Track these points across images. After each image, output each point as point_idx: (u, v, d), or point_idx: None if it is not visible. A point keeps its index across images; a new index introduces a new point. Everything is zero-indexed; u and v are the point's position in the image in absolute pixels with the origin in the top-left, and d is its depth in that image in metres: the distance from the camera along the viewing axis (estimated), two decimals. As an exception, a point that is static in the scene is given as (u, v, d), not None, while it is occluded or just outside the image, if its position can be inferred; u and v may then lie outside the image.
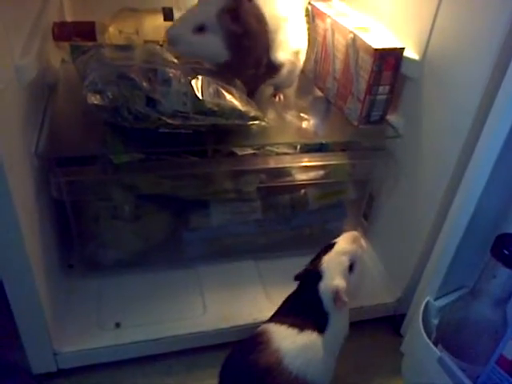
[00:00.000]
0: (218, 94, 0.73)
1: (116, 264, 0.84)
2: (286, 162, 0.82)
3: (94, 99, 0.66)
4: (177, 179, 0.78)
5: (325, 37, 0.90)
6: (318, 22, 0.93)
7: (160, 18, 0.98)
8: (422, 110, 0.77)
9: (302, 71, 1.01)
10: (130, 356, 0.75)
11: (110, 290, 0.81)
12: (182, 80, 0.70)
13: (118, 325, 0.76)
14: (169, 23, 0.96)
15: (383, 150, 0.86)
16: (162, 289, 0.82)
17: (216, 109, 0.71)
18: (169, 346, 0.77)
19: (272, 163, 0.81)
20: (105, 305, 0.79)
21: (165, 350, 0.77)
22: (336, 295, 0.65)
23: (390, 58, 0.77)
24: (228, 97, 0.74)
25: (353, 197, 0.91)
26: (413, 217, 0.81)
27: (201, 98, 0.70)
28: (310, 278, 0.69)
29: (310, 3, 0.97)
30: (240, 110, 0.74)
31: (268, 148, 0.82)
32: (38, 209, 0.68)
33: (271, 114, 0.87)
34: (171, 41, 0.75)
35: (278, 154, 0.82)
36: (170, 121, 0.69)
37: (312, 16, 0.95)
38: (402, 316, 0.84)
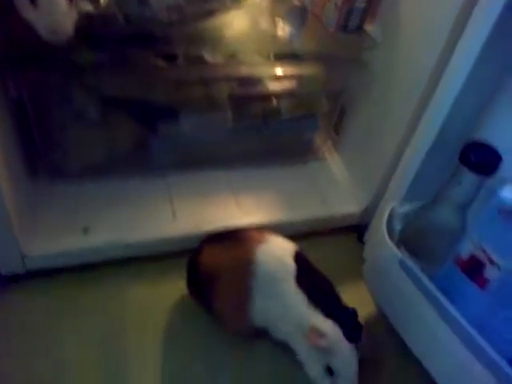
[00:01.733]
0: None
1: (83, 171, 0.81)
2: (259, 70, 0.80)
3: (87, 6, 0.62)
4: (146, 83, 0.74)
5: None
6: None
7: None
8: (400, 17, 0.75)
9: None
10: (99, 259, 0.76)
11: (78, 196, 0.80)
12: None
13: (86, 229, 0.75)
14: None
15: (358, 61, 0.84)
16: (132, 196, 0.82)
17: None
18: (139, 250, 0.78)
19: (244, 71, 0.79)
20: (73, 210, 0.78)
21: (135, 254, 0.78)
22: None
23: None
24: None
25: (325, 109, 0.90)
26: (384, 128, 0.82)
27: None
28: None
29: None
30: None
31: (240, 56, 0.79)
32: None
33: (246, 22, 0.83)
34: None
35: (249, 61, 0.79)
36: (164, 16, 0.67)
37: None
38: (367, 226, 0.87)
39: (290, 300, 0.65)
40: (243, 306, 0.67)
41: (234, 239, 0.70)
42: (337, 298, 0.67)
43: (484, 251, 0.58)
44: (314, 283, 0.67)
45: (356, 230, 0.92)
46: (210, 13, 0.74)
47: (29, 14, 0.59)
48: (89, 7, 0.65)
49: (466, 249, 0.61)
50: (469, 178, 0.59)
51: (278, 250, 0.68)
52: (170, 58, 0.74)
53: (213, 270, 0.68)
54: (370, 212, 0.86)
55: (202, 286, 0.70)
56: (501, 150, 0.59)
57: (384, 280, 0.72)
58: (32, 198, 0.77)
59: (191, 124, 0.83)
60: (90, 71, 0.70)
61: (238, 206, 0.84)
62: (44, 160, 0.80)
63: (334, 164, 0.97)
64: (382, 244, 0.70)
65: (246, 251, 0.67)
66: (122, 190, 0.82)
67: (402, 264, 0.66)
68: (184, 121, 0.82)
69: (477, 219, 0.59)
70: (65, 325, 0.71)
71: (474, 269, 0.60)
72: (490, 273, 0.58)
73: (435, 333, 0.62)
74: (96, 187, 0.82)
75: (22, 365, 0.66)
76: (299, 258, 0.68)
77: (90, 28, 0.64)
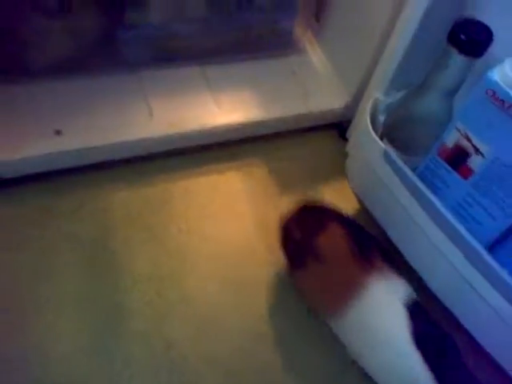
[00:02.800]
0: None
1: (47, 69, 0.75)
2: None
3: None
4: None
5: None
6: None
7: None
8: None
9: None
10: (74, 164, 0.73)
11: (44, 96, 0.74)
12: None
13: (58, 132, 0.71)
14: None
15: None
16: (103, 95, 0.76)
17: None
18: (116, 152, 0.75)
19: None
20: (41, 112, 0.73)
21: (110, 158, 0.75)
22: None
23: None
24: None
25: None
26: (368, 11, 0.77)
27: None
28: None
29: None
30: None
31: None
32: None
33: None
34: None
35: None
36: None
37: None
38: (349, 122, 0.84)
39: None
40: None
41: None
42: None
43: (469, 139, 0.57)
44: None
45: (338, 126, 0.89)
46: None
47: None
48: None
49: (451, 138, 0.59)
50: (457, 60, 0.56)
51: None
52: None
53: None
54: (353, 107, 0.83)
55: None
56: (492, 28, 0.55)
57: (367, 174, 0.72)
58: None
59: (160, 10, 0.75)
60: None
61: (216, 104, 0.80)
62: (3, 56, 0.73)
63: (315, 56, 0.92)
64: (364, 137, 0.68)
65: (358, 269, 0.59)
66: (93, 89, 0.77)
67: (386, 156, 0.65)
68: (152, 6, 0.75)
69: (463, 105, 0.56)
70: (46, 233, 0.69)
71: (457, 158, 0.60)
72: (474, 162, 0.58)
73: (416, 222, 0.63)
74: (64, 86, 0.76)
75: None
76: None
77: None
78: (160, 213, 0.74)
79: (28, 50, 0.72)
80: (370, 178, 0.71)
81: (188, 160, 0.80)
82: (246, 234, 0.74)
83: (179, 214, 0.74)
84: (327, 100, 0.86)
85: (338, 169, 0.81)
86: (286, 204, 0.67)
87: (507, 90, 0.50)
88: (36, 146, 0.69)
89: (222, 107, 0.80)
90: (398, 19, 0.67)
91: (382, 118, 0.70)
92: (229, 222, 0.75)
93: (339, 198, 0.72)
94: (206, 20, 0.79)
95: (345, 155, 0.79)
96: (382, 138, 0.68)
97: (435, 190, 0.63)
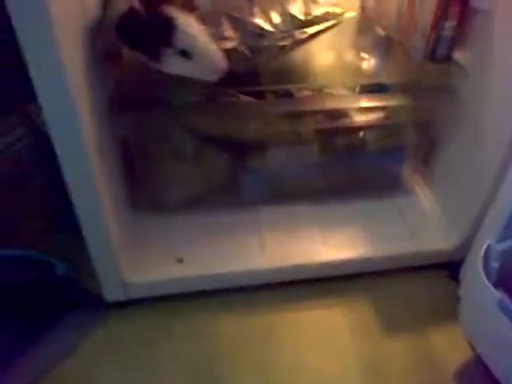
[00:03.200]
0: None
1: (178, 204, 0.87)
2: (345, 103, 0.80)
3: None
4: (235, 121, 0.79)
5: (388, -29, 0.85)
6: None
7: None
8: (492, 45, 0.72)
9: (363, 9, 0.97)
10: (191, 289, 0.80)
11: (173, 227, 0.85)
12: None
13: (180, 260, 0.80)
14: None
15: (447, 91, 0.81)
16: (222, 228, 0.85)
17: (309, 21, 0.78)
18: (228, 281, 0.81)
19: (330, 104, 0.80)
20: (169, 241, 0.83)
21: (224, 286, 0.81)
22: None
23: (458, -9, 0.72)
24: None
25: (413, 140, 0.88)
26: (477, 161, 0.78)
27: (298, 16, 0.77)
28: None
29: None
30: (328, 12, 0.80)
31: (326, 89, 0.81)
32: (107, 148, 0.72)
33: (331, 55, 0.85)
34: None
35: (336, 95, 0.80)
36: (281, 43, 0.74)
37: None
38: (460, 262, 0.82)
39: None
40: None
41: None
42: None
43: None
44: None
45: (448, 267, 0.87)
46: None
47: (181, 67, 0.65)
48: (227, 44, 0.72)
49: None
50: None
51: None
52: (259, 93, 0.78)
53: None
54: (463, 248, 0.81)
55: None
56: None
57: (481, 322, 0.68)
58: (132, 228, 0.84)
59: (279, 157, 0.85)
60: (187, 111, 0.76)
61: (324, 241, 0.85)
62: (143, 193, 0.87)
63: (423, 197, 0.94)
64: (477, 282, 0.66)
65: None
66: (214, 222, 0.87)
67: (502, 305, 0.62)
68: (272, 154, 0.85)
69: None
70: (158, 353, 0.75)
71: None
72: None
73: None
74: (190, 219, 0.87)
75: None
76: None
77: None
78: (264, 343, 0.76)
79: (164, 189, 0.85)
80: (484, 326, 0.67)
81: (294, 292, 0.83)
82: (346, 371, 0.73)
83: (282, 346, 0.75)
84: (435, 241, 0.86)
85: (447, 312, 0.77)
86: (388, 345, 0.65)
87: None
88: (161, 271, 0.78)
89: (329, 244, 0.84)
90: (509, 168, 0.68)
91: (495, 265, 0.68)
92: (330, 357, 0.74)
93: (449, 343, 0.68)
94: (318, 164, 0.87)
95: (456, 298, 0.76)
96: (496, 286, 0.65)
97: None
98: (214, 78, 0.67)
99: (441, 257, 0.86)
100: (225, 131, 0.80)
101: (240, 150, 0.84)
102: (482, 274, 0.65)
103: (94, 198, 0.66)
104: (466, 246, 0.80)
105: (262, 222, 0.87)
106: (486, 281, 0.64)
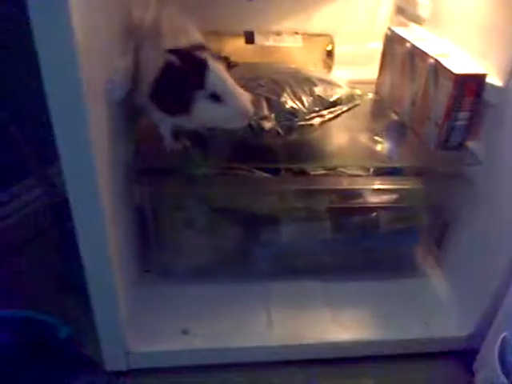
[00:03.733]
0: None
1: (188, 272, 0.87)
2: (358, 183, 0.82)
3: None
4: (250, 195, 0.80)
5: (403, 61, 0.90)
6: (397, 46, 0.93)
7: (241, 41, 1.03)
8: (504, 137, 0.75)
9: (378, 93, 1.02)
10: (194, 362, 0.78)
11: (181, 297, 0.84)
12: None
13: (185, 331, 0.79)
14: (250, 45, 1.03)
15: (461, 177, 0.83)
16: (230, 301, 0.84)
17: (334, 102, 0.82)
18: (233, 357, 0.78)
19: (344, 184, 0.82)
20: (175, 311, 0.82)
21: (228, 361, 0.78)
22: None
23: (471, 84, 0.75)
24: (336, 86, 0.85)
25: (426, 223, 0.89)
26: (490, 248, 0.78)
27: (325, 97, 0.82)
28: None
29: (388, 28, 0.98)
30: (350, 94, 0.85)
31: (340, 169, 0.83)
32: (122, 215, 0.73)
33: (346, 137, 0.88)
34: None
35: (350, 175, 0.82)
36: (310, 122, 0.79)
37: (390, 41, 0.96)
38: (475, 351, 0.80)
39: None
40: None
41: None
42: None
43: None
44: None
45: (461, 355, 0.84)
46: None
47: (211, 111, 0.67)
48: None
49: None
50: None
51: None
52: (274, 170, 0.81)
53: None
54: (477, 336, 0.79)
55: None
56: None
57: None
58: (140, 296, 0.83)
59: (291, 233, 0.86)
60: (203, 183, 0.78)
61: (334, 320, 0.83)
62: (154, 261, 0.87)
63: (436, 281, 0.92)
64: (494, 377, 0.64)
65: None
66: (222, 294, 0.86)
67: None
68: (284, 230, 0.86)
69: None
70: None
71: None
72: None
73: None
74: (198, 289, 0.86)
75: None
76: None
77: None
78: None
79: (175, 258, 0.86)
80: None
81: (301, 371, 0.80)
82: None
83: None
84: (449, 327, 0.83)
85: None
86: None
87: None
88: (165, 342, 0.77)
89: (340, 324, 0.82)
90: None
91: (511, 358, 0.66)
92: None
93: None
94: (331, 241, 0.87)
95: (470, 389, 0.73)
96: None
97: None
98: (241, 123, 0.70)
99: (453, 344, 0.83)
100: (239, 204, 0.81)
101: (253, 224, 0.85)
102: (500, 371, 0.63)
103: (105, 263, 0.66)
104: (480, 335, 0.78)
105: (272, 297, 0.86)
106: (503, 376, 0.62)
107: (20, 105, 0.89)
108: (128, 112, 0.77)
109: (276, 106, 0.78)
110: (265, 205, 0.82)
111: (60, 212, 0.88)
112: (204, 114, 0.68)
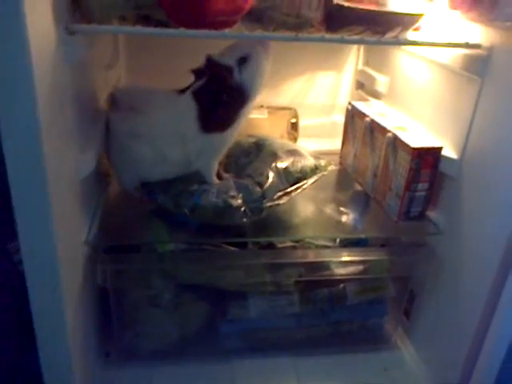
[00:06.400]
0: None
1: (151, 354, 0.83)
2: (325, 255, 0.82)
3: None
4: (217, 270, 0.79)
5: (364, 135, 0.94)
6: (358, 120, 0.97)
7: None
8: (462, 207, 0.77)
9: (341, 164, 1.05)
10: None
11: (144, 379, 0.80)
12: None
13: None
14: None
15: (424, 246, 0.84)
16: (196, 381, 0.81)
17: (300, 175, 0.84)
18: None
19: (311, 257, 0.82)
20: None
21: None
22: None
23: (428, 157, 0.79)
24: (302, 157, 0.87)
25: (393, 293, 0.88)
26: (456, 316, 0.78)
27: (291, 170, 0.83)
28: None
29: (349, 103, 1.02)
30: (315, 165, 0.87)
31: (307, 240, 0.83)
32: (83, 296, 0.70)
33: (312, 208, 0.89)
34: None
35: (317, 246, 0.83)
36: (277, 202, 0.80)
37: (351, 115, 1.00)
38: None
39: None
40: None
41: None
42: None
43: None
44: None
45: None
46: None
47: None
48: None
49: None
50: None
51: None
52: (241, 244, 0.80)
53: None
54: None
55: None
56: None
57: None
58: (101, 380, 0.79)
59: (258, 307, 0.84)
60: (169, 259, 0.77)
61: (304, 397, 0.80)
62: (117, 343, 0.83)
63: (407, 353, 0.91)
64: None
65: None
66: (188, 374, 0.82)
67: None
68: (251, 304, 0.84)
69: None
70: None
71: None
72: None
73: None
74: (163, 370, 0.82)
75: None
76: None
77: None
78: None
79: (138, 338, 0.82)
80: None
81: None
82: None
83: None
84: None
85: None
86: None
87: None
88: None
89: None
90: (491, 323, 0.67)
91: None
92: None
93: None
94: (299, 315, 0.86)
95: None
96: None
97: None
98: None
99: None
100: (205, 280, 0.80)
101: (220, 299, 0.83)
102: None
103: (63, 347, 0.63)
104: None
105: (240, 376, 0.82)
106: None
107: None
108: (91, 188, 0.77)
109: (243, 187, 0.79)
110: (232, 280, 0.81)
111: (18, 290, 0.84)
112: None
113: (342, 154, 1.06)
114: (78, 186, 0.68)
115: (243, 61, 0.76)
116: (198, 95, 0.76)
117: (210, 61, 0.75)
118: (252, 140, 0.93)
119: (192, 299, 0.82)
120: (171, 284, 0.79)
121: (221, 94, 0.75)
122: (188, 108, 0.76)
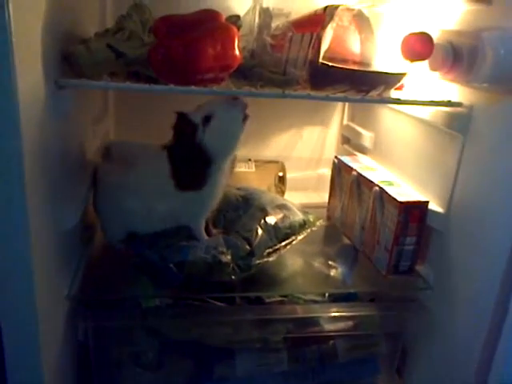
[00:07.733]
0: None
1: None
2: (314, 311, 0.81)
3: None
4: (204, 326, 0.77)
5: (351, 189, 0.95)
6: (344, 174, 0.98)
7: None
8: (451, 260, 0.77)
9: (329, 219, 1.05)
10: None
11: None
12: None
13: None
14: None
15: (414, 301, 0.83)
16: None
17: (289, 231, 0.83)
18: None
19: (300, 312, 0.80)
20: None
21: None
22: None
23: (415, 211, 0.79)
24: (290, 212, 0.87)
25: (384, 350, 0.86)
26: (451, 373, 0.76)
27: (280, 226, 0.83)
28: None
29: (336, 157, 1.04)
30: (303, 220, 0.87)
31: (296, 295, 0.81)
32: (63, 353, 0.67)
33: (300, 262, 0.88)
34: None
35: (305, 301, 0.81)
36: (266, 259, 0.78)
37: (338, 169, 1.02)
38: None
39: None
40: None
41: None
42: None
43: None
44: None
45: None
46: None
47: None
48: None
49: None
50: None
51: None
52: (229, 299, 0.78)
53: None
54: None
55: None
56: None
57: None
58: None
59: (246, 366, 0.81)
60: (154, 314, 0.74)
61: None
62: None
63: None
64: None
65: None
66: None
67: None
68: (239, 363, 0.81)
69: None
70: None
71: None
72: None
73: None
74: None
75: None
76: None
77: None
78: None
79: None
80: None
81: None
82: None
83: None
84: None
85: None
86: None
87: None
88: None
89: None
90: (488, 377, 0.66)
91: None
92: None
93: None
94: (287, 374, 0.82)
95: None
96: None
97: None
98: None
99: None
100: (191, 336, 0.77)
101: (205, 356, 0.80)
102: None
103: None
104: None
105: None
106: None
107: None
108: (74, 241, 0.75)
109: (232, 244, 0.78)
110: (219, 336, 0.78)
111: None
112: None
113: (330, 208, 1.06)
114: (61, 238, 0.67)
115: (207, 120, 0.73)
116: (170, 152, 0.76)
117: (179, 117, 0.75)
118: (240, 193, 0.93)
119: (177, 357, 0.79)
120: (155, 341, 0.76)
121: (187, 153, 0.75)
122: (164, 165, 0.75)
